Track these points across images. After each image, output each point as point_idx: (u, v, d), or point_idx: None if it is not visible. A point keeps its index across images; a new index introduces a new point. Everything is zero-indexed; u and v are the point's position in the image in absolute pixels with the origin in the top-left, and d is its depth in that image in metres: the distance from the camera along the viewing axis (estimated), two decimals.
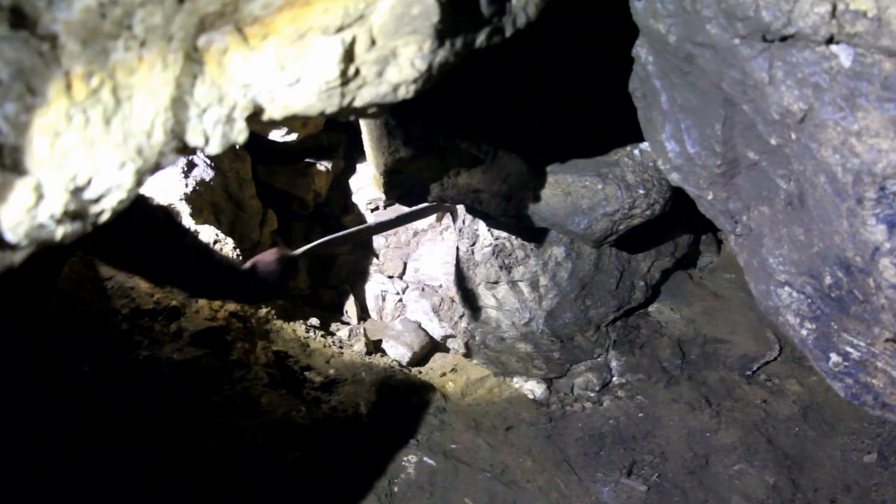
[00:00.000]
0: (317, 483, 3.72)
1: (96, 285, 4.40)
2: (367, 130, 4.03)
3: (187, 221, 4.98)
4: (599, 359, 4.38)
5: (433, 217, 6.63)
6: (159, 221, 3.11)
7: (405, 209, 4.43)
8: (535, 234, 4.07)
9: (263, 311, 4.88)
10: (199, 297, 4.46)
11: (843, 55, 2.21)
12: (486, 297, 4.37)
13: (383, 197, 4.01)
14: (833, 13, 2.13)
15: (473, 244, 4.50)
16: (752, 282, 2.90)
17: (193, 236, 3.30)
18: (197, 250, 3.23)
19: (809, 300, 2.71)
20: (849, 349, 2.67)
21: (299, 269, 3.77)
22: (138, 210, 3.02)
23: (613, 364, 4.34)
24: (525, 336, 4.25)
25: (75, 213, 1.63)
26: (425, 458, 3.84)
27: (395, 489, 3.72)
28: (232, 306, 4.68)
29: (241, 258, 5.01)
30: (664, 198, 3.65)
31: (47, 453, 3.49)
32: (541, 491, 3.80)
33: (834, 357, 2.73)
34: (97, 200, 1.66)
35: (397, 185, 3.99)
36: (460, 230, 4.66)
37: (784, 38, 2.26)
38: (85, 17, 1.50)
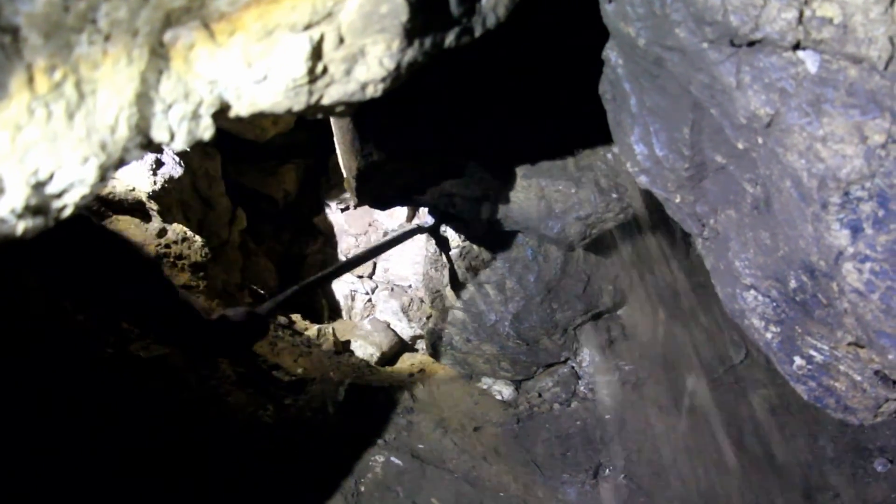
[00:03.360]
0: (283, 482, 3.70)
1: None
2: (338, 132, 4.01)
3: (155, 219, 4.94)
4: (567, 361, 4.39)
5: (403, 217, 6.62)
6: (151, 276, 3.07)
7: (378, 217, 4.41)
8: (503, 238, 4.08)
9: None
10: (160, 340, 4.36)
11: (810, 61, 2.23)
12: (453, 299, 4.37)
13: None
14: (800, 19, 2.14)
15: (440, 243, 4.50)
16: (718, 285, 2.91)
17: (175, 289, 3.24)
18: (168, 293, 3.16)
19: (774, 304, 2.73)
20: (812, 353, 2.69)
21: (266, 329, 3.72)
22: (109, 245, 2.99)
23: (582, 367, 4.35)
24: (491, 338, 4.25)
25: (37, 208, 1.61)
26: (392, 458, 3.83)
27: (362, 489, 3.71)
28: (200, 304, 4.64)
29: (209, 256, 4.98)
30: (637, 201, 3.66)
31: (10, 451, 3.45)
32: (507, 492, 3.81)
33: (798, 360, 2.75)
34: (59, 195, 1.64)
35: (369, 189, 3.96)
36: (433, 229, 4.65)
37: (751, 43, 2.28)
38: (48, 9, 1.48)
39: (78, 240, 2.22)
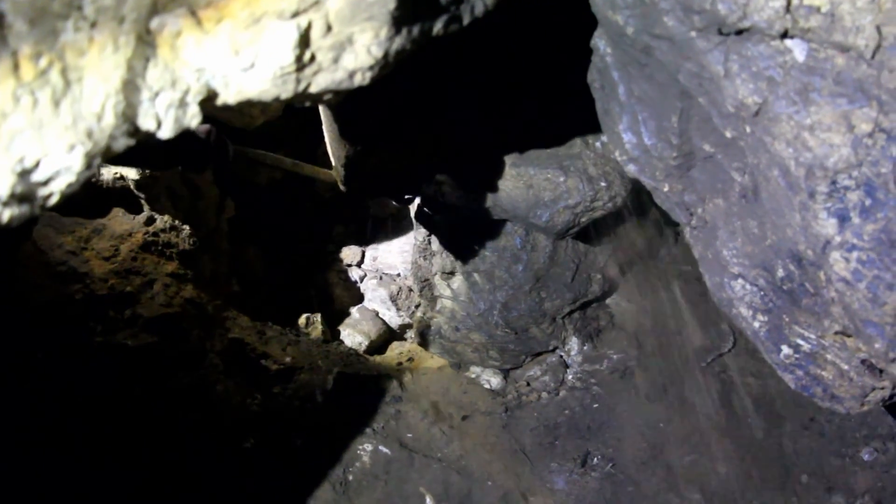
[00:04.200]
0: (272, 471, 3.71)
1: (49, 270, 4.34)
2: (327, 120, 4.00)
3: (144, 207, 4.93)
4: (555, 350, 4.39)
5: (392, 205, 6.62)
6: None
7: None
8: (491, 226, 4.08)
9: (218, 300, 4.85)
10: (131, 163, 4.45)
11: (797, 50, 2.23)
12: (441, 288, 4.37)
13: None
14: (788, 8, 2.14)
15: (430, 234, 4.50)
16: (706, 274, 2.92)
17: None
18: None
19: (762, 293, 2.74)
20: (800, 341, 2.70)
21: (229, 153, 3.76)
22: None
23: (570, 355, 4.36)
24: (480, 327, 4.25)
25: (22, 196, 1.61)
26: (381, 447, 3.84)
27: (350, 478, 3.72)
28: (187, 293, 4.64)
29: (197, 245, 4.97)
30: (626, 190, 3.67)
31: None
32: (495, 480, 3.82)
33: (785, 349, 2.75)
34: (45, 183, 1.64)
35: (358, 178, 3.95)
36: (419, 215, 4.65)
37: (739, 32, 2.28)
38: None
39: None
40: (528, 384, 4.42)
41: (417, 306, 4.84)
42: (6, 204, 1.59)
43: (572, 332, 4.33)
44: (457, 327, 4.31)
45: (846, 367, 2.64)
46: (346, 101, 3.57)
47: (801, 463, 3.73)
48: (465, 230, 4.18)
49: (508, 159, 3.69)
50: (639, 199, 3.65)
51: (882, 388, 2.64)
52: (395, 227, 6.62)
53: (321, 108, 4.02)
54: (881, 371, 2.56)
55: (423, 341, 4.61)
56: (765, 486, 3.69)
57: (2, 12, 1.48)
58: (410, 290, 5.94)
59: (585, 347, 4.32)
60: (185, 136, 3.45)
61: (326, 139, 4.07)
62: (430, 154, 3.77)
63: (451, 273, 4.32)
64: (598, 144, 3.65)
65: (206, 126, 3.53)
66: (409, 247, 5.65)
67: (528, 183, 3.68)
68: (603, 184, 3.62)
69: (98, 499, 3.45)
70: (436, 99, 3.52)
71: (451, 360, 4.53)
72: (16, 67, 1.50)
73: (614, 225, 4.05)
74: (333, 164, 4.04)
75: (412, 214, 4.84)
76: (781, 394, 3.87)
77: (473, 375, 4.53)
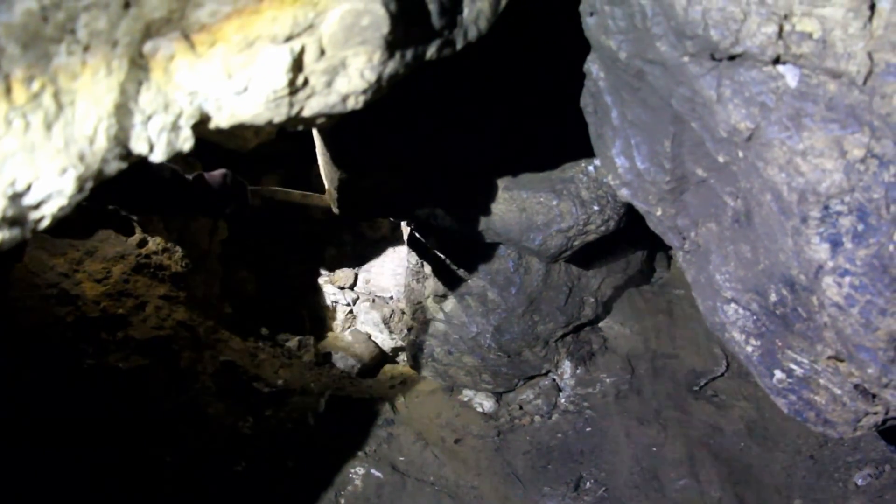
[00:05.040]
0: (263, 494, 3.69)
1: (41, 292, 4.34)
2: (320, 143, 4.01)
3: (136, 230, 4.92)
4: (548, 374, 4.39)
5: (385, 228, 6.63)
6: None
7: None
8: (484, 250, 4.08)
9: (210, 322, 4.84)
10: (150, 210, 4.46)
11: (790, 75, 2.24)
12: (434, 311, 4.36)
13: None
14: (780, 34, 2.15)
15: (423, 257, 4.51)
16: (699, 298, 2.92)
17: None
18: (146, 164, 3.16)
19: (755, 317, 2.74)
20: (792, 366, 2.70)
21: (246, 196, 3.77)
22: None
23: (563, 379, 4.36)
24: (473, 350, 4.25)
25: (14, 219, 1.60)
26: (372, 471, 3.83)
27: (342, 501, 3.71)
28: (179, 315, 4.63)
29: (189, 267, 4.97)
30: (618, 214, 3.68)
31: None
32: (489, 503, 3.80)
33: (778, 374, 2.75)
34: (37, 206, 1.63)
35: (350, 201, 3.96)
36: (412, 240, 4.65)
37: (732, 57, 2.29)
38: (26, 20, 1.48)
39: None
40: (521, 407, 4.41)
41: (410, 329, 4.83)
42: None
43: (565, 356, 4.33)
44: (449, 350, 4.31)
45: (839, 391, 2.64)
46: (339, 125, 3.59)
47: (794, 488, 3.72)
48: (457, 253, 4.18)
49: (501, 183, 3.70)
50: (631, 222, 3.65)
51: (875, 413, 2.64)
52: (387, 249, 6.62)
53: (314, 132, 4.03)
54: (874, 396, 2.56)
55: (416, 364, 4.60)
56: None
57: None
58: (403, 312, 5.93)
59: (578, 371, 4.31)
60: (201, 184, 3.48)
61: (319, 162, 4.07)
62: (423, 177, 3.78)
63: (444, 296, 4.32)
64: (591, 168, 3.65)
65: (222, 171, 3.54)
66: (402, 269, 5.64)
67: (520, 206, 3.69)
68: (596, 207, 3.63)
69: None
70: (428, 122, 3.53)
71: (443, 383, 4.52)
72: (8, 91, 1.50)
73: (607, 248, 4.06)
74: (326, 186, 4.04)
75: (405, 237, 4.84)
76: (774, 418, 3.87)
77: (466, 398, 4.53)
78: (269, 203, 4.20)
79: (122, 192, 3.24)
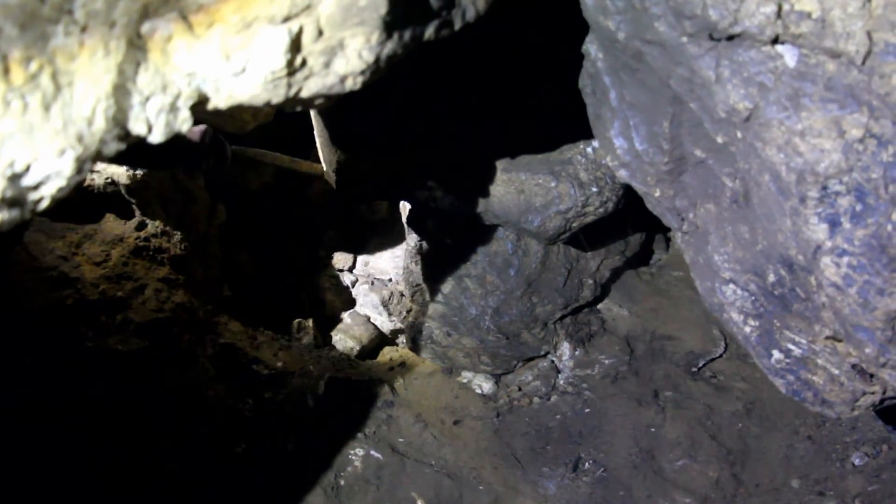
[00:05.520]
0: (263, 476, 3.70)
1: (40, 275, 4.34)
2: (318, 125, 4.01)
3: (136, 213, 4.92)
4: (547, 356, 4.39)
5: (384, 210, 6.62)
6: None
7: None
8: (483, 231, 4.08)
9: (210, 305, 4.84)
10: (126, 162, 4.49)
11: (788, 55, 2.23)
12: (433, 292, 4.37)
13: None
14: (779, 13, 2.15)
15: (422, 239, 4.50)
16: (697, 279, 2.92)
17: None
18: None
19: (753, 297, 2.74)
20: (790, 346, 2.71)
21: (227, 154, 3.80)
22: None
23: (562, 360, 4.36)
24: (471, 332, 4.26)
25: (13, 200, 1.61)
26: (372, 452, 3.84)
27: (342, 482, 3.71)
28: (179, 298, 4.64)
29: (188, 250, 4.97)
30: (617, 195, 3.67)
31: None
32: (487, 485, 3.82)
33: (776, 354, 2.76)
34: (36, 187, 1.64)
35: (350, 183, 3.98)
36: (411, 220, 4.65)
37: (731, 38, 2.29)
38: (24, 0, 1.47)
39: None
40: (520, 389, 4.42)
41: (409, 311, 4.84)
42: None
43: (564, 338, 4.33)
44: (448, 332, 4.32)
45: (837, 371, 2.64)
46: (337, 106, 3.59)
47: (792, 468, 3.73)
48: (456, 235, 4.18)
49: (500, 164, 3.70)
50: (630, 204, 3.65)
51: (872, 393, 2.64)
52: (386, 231, 6.61)
53: (312, 113, 4.04)
54: (872, 376, 2.57)
55: (415, 346, 4.61)
56: (756, 491, 3.70)
57: None
58: (402, 294, 5.93)
59: (577, 352, 4.32)
60: (179, 137, 3.46)
61: (318, 143, 4.08)
62: (422, 159, 3.78)
63: (443, 278, 4.32)
64: (589, 150, 3.65)
65: (202, 126, 3.55)
66: (401, 252, 5.64)
67: (519, 188, 3.68)
68: (594, 189, 3.63)
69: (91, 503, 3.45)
70: (426, 104, 3.53)
71: (442, 364, 4.53)
72: (6, 71, 1.50)
73: (606, 230, 4.06)
74: (325, 168, 4.05)
75: (404, 219, 4.84)
76: (772, 399, 3.88)
77: (465, 380, 4.53)
78: (254, 164, 4.17)
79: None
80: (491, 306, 4.18)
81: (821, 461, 3.69)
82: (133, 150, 3.42)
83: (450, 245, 4.27)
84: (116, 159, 3.95)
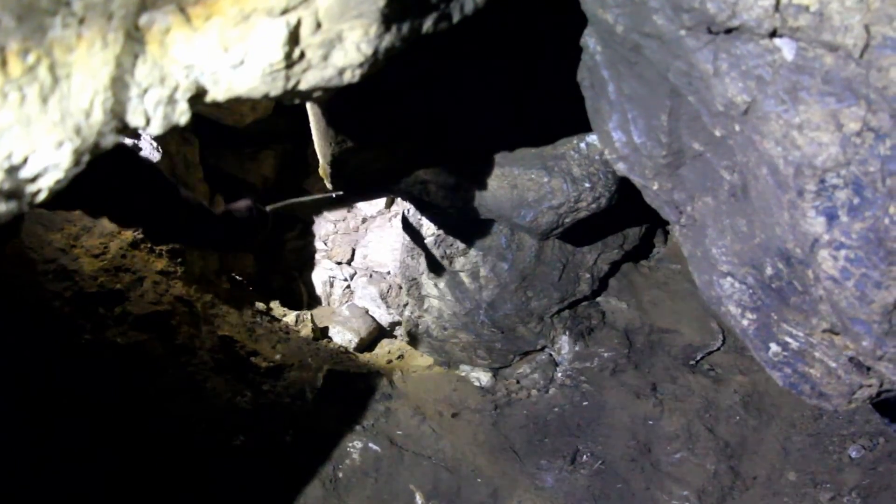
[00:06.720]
0: (261, 468, 3.71)
1: (38, 268, 4.35)
2: (314, 118, 4.02)
3: None
4: (544, 349, 4.40)
5: (382, 203, 6.63)
6: (144, 172, 3.09)
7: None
8: (477, 226, 4.09)
9: (208, 296, 4.85)
10: (176, 242, 4.55)
11: (786, 49, 2.24)
12: (429, 287, 4.38)
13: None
14: (777, 6, 2.16)
15: (417, 232, 4.51)
16: (695, 272, 2.93)
17: (175, 186, 3.29)
18: (175, 197, 3.20)
19: (751, 290, 2.75)
20: (788, 339, 2.72)
21: (269, 223, 3.81)
22: (124, 161, 3.05)
23: (560, 354, 4.37)
24: (467, 326, 4.27)
25: (10, 193, 1.61)
26: (370, 444, 3.86)
27: (340, 475, 3.73)
28: (177, 290, 4.65)
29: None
30: (610, 191, 3.68)
31: None
32: (485, 478, 3.83)
33: (774, 347, 2.77)
34: (34, 180, 1.64)
35: (343, 177, 3.98)
36: (405, 219, 4.66)
37: (729, 31, 2.29)
38: None
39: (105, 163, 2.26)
40: (518, 382, 4.43)
41: (405, 305, 4.85)
42: None
43: (562, 331, 4.34)
44: (444, 326, 4.33)
45: (834, 364, 2.66)
46: (332, 100, 3.61)
47: (789, 460, 3.75)
48: (451, 229, 4.19)
49: (493, 159, 3.70)
50: (628, 198, 3.66)
51: (870, 386, 2.66)
52: (385, 224, 6.63)
53: (308, 106, 4.04)
54: (869, 369, 2.58)
55: (412, 340, 4.63)
56: (752, 484, 3.72)
57: None
58: (400, 287, 5.95)
59: (577, 346, 4.32)
60: (231, 219, 3.56)
61: (314, 137, 4.08)
62: (416, 153, 3.79)
63: (439, 272, 4.33)
64: (582, 145, 3.65)
65: (246, 202, 3.55)
66: (400, 244, 5.66)
67: (512, 183, 3.69)
68: (587, 185, 3.63)
69: (90, 495, 3.45)
70: (421, 97, 3.54)
71: (439, 358, 4.55)
72: (3, 63, 1.50)
73: (602, 224, 4.07)
74: (320, 161, 4.05)
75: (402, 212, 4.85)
76: (770, 392, 3.89)
77: (463, 373, 4.55)
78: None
79: (154, 224, 3.30)
80: (485, 300, 4.19)
81: (817, 454, 3.71)
82: (186, 232, 3.53)
83: (443, 239, 4.28)
84: (168, 238, 4.03)
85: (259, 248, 5.19)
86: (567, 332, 4.33)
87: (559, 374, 4.33)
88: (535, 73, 3.42)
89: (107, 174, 2.87)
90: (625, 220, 4.18)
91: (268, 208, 3.69)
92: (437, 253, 4.34)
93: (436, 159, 3.77)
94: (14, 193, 1.63)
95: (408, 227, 4.61)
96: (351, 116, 3.67)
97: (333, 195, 4.45)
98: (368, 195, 5.28)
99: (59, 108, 1.60)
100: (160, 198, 3.14)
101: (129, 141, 5.06)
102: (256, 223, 3.54)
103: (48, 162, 1.63)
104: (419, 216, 4.42)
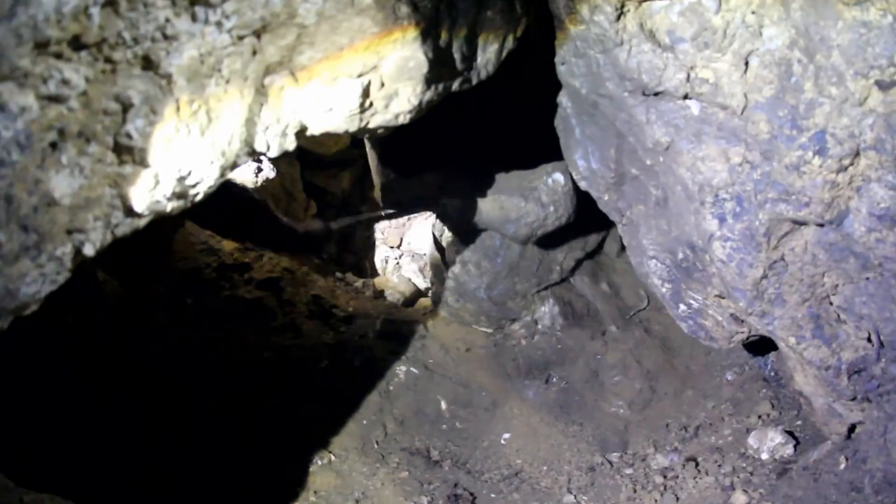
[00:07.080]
0: (339, 383, 3.76)
1: (196, 247, 4.45)
2: (371, 157, 4.14)
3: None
4: (527, 317, 4.32)
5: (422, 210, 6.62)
6: (257, 209, 3.26)
7: None
8: (478, 233, 4.12)
9: (304, 268, 4.89)
10: (274, 250, 4.65)
11: (694, 106, 2.26)
12: (448, 271, 4.37)
13: None
14: (688, 79, 2.18)
15: (441, 234, 4.55)
16: (632, 256, 2.95)
17: (276, 217, 3.48)
18: (275, 223, 3.34)
19: (668, 269, 2.77)
20: (691, 301, 2.74)
21: (333, 235, 3.91)
22: (245, 202, 3.24)
23: (543, 315, 4.30)
24: (472, 300, 4.24)
25: (180, 194, 1.66)
26: (411, 368, 3.88)
27: (391, 388, 3.76)
28: (285, 263, 4.70)
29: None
30: (569, 213, 3.83)
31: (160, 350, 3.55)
32: (487, 392, 3.86)
33: (682, 307, 2.79)
34: (194, 186, 1.69)
35: (390, 199, 4.20)
36: (433, 224, 4.72)
37: (656, 94, 2.31)
38: (190, 63, 1.52)
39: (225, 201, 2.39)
40: (512, 334, 4.40)
41: (432, 283, 4.86)
42: (169, 199, 1.64)
43: (540, 304, 4.28)
44: (457, 299, 4.31)
45: (720, 318, 2.69)
46: (382, 145, 3.70)
47: (689, 381, 3.78)
48: (461, 234, 4.23)
49: (488, 189, 3.82)
50: (588, 216, 3.65)
51: (742, 332, 2.70)
52: (423, 221, 6.61)
53: (368, 149, 4.15)
54: (742, 321, 2.61)
55: (435, 307, 4.60)
56: (665, 397, 3.74)
57: (170, 73, 1.52)
58: (430, 268, 5.94)
59: (556, 308, 4.27)
60: (308, 236, 3.79)
61: (372, 170, 4.19)
62: (437, 185, 3.95)
63: (453, 262, 4.34)
64: (549, 180, 3.79)
65: (321, 225, 3.70)
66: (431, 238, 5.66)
67: (500, 205, 3.82)
68: (552, 209, 3.79)
69: (223, 397, 3.51)
70: (443, 145, 3.61)
71: (455, 320, 4.50)
72: (178, 109, 1.55)
73: (566, 234, 4.06)
74: (376, 187, 4.17)
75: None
76: (678, 336, 3.89)
77: (473, 326, 4.52)
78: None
79: (260, 240, 3.53)
80: (484, 283, 4.17)
81: (707, 377, 3.74)
82: (279, 244, 3.74)
83: (458, 240, 4.31)
84: (268, 248, 4.27)
85: (326, 253, 5.29)
86: (544, 303, 4.28)
87: (540, 328, 4.29)
88: (519, 127, 3.46)
89: (233, 210, 3.08)
90: (587, 230, 4.15)
91: (334, 225, 3.79)
92: (452, 249, 4.36)
93: (450, 190, 3.92)
94: (182, 195, 1.68)
95: (434, 231, 4.66)
96: (394, 158, 3.87)
97: (383, 213, 4.54)
98: (408, 212, 5.37)
99: (211, 138, 1.64)
100: (264, 223, 3.33)
101: (253, 165, 5.12)
102: (323, 239, 3.67)
103: (204, 174, 1.68)
104: (441, 225, 4.46)
